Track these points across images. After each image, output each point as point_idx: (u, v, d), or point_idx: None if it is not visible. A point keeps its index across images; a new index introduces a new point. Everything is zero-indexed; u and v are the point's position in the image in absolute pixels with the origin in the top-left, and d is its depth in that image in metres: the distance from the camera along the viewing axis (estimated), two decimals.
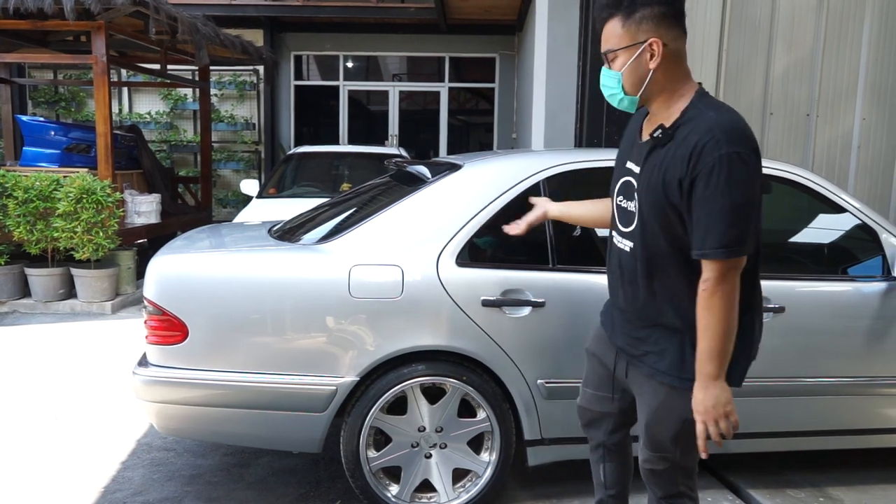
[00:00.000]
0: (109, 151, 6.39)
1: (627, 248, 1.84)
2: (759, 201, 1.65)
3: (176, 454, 3.23)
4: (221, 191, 11.14)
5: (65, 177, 5.98)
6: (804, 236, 3.10)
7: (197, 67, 8.34)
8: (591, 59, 4.81)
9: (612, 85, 1.79)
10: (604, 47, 1.78)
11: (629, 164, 1.86)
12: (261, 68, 10.44)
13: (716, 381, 1.65)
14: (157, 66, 7.97)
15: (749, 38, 5.35)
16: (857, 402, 2.81)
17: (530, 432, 2.60)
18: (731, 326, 1.64)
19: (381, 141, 11.41)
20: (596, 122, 4.80)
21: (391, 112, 11.44)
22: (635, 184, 1.80)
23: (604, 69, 1.81)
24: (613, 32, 1.74)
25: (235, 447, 3.25)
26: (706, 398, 1.65)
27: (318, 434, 2.53)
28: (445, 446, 2.60)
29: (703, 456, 1.72)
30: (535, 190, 2.62)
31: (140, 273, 6.30)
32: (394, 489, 2.60)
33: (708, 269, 1.64)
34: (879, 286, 2.74)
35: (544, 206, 2.28)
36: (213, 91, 10.11)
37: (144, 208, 7.11)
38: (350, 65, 11.52)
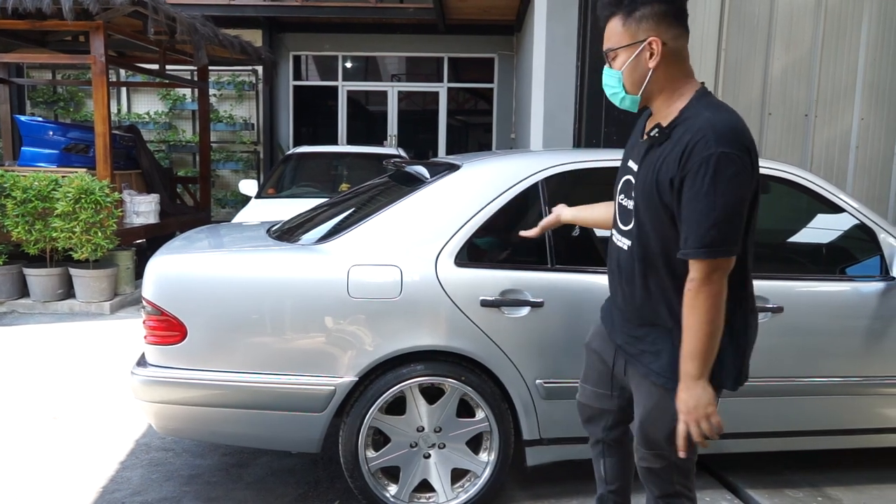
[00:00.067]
0: (108, 151, 6.39)
1: (626, 247, 1.85)
2: (747, 202, 1.63)
3: (174, 454, 3.23)
4: (220, 191, 11.13)
5: (63, 177, 5.98)
6: (802, 236, 3.10)
7: (196, 67, 8.33)
8: (590, 60, 4.81)
9: (614, 84, 1.80)
10: (605, 46, 1.79)
11: (630, 163, 1.87)
12: (259, 68, 10.43)
13: (698, 381, 1.65)
14: (155, 67, 7.97)
15: (747, 38, 5.35)
16: (856, 402, 2.81)
17: (529, 432, 2.60)
18: (716, 328, 1.64)
19: (379, 141, 11.41)
20: (595, 122, 4.80)
21: (390, 112, 11.44)
22: (634, 182, 1.80)
23: (605, 68, 1.82)
24: (614, 31, 1.76)
25: (234, 447, 3.25)
26: (688, 398, 1.65)
27: (316, 434, 2.53)
28: (444, 446, 2.60)
29: (682, 455, 1.72)
30: (533, 190, 2.63)
31: (139, 273, 6.29)
32: (392, 489, 2.60)
33: (693, 269, 1.64)
34: (877, 286, 2.74)
35: (558, 211, 2.32)
36: (211, 91, 10.11)
37: (143, 208, 7.11)
38: (349, 65, 11.52)
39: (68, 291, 6.08)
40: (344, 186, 6.55)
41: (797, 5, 5.38)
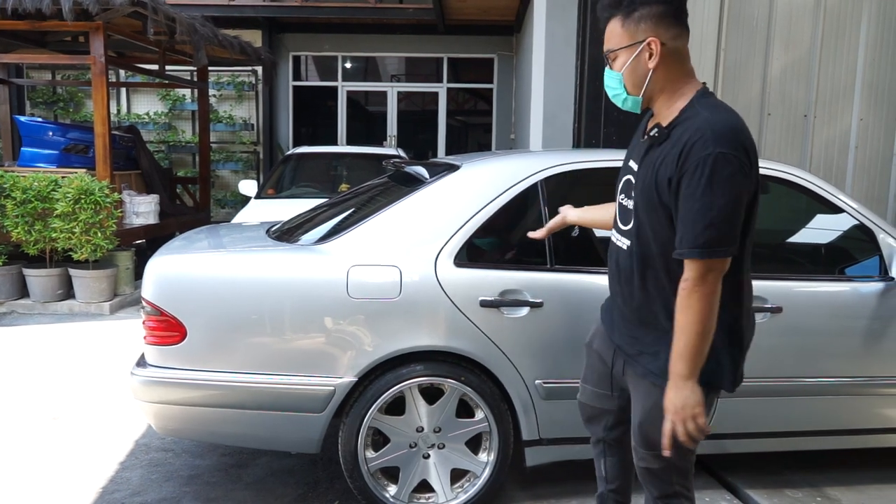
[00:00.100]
0: (108, 152, 6.39)
1: (625, 247, 1.85)
2: (745, 202, 1.63)
3: (174, 455, 3.23)
4: (220, 191, 11.14)
5: (63, 177, 5.98)
6: (802, 236, 3.10)
7: (195, 68, 8.33)
8: (590, 60, 4.81)
9: (615, 85, 1.80)
10: (605, 47, 1.79)
11: (631, 163, 1.87)
12: (259, 69, 10.43)
13: (687, 381, 1.65)
14: (155, 67, 7.97)
15: (747, 39, 5.36)
16: (855, 402, 2.81)
17: (528, 432, 2.60)
18: (708, 328, 1.63)
19: (379, 141, 11.41)
20: (594, 122, 4.80)
21: (389, 113, 11.45)
22: (634, 182, 1.80)
23: (607, 70, 1.82)
24: (614, 32, 1.76)
25: (233, 448, 3.25)
26: (675, 398, 1.66)
27: (316, 434, 2.53)
28: (443, 447, 2.60)
29: (666, 454, 1.73)
30: (533, 190, 2.63)
31: (138, 274, 6.28)
32: (392, 489, 2.60)
33: (687, 269, 1.63)
34: (876, 286, 2.74)
35: (564, 212, 2.33)
36: (211, 92, 10.11)
37: (143, 209, 7.11)
38: (348, 65, 11.52)
39: (68, 292, 6.08)
40: (343, 187, 6.55)
41: (796, 6, 5.38)
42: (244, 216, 5.67)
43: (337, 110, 11.46)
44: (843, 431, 2.84)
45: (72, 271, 5.98)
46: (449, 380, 2.52)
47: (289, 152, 7.57)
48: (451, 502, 2.61)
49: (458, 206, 2.60)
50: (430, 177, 2.74)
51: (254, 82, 11.04)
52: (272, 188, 6.64)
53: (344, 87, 11.44)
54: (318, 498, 2.85)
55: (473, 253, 2.59)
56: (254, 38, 9.61)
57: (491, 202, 2.59)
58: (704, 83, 1.77)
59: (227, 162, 11.09)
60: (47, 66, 10.66)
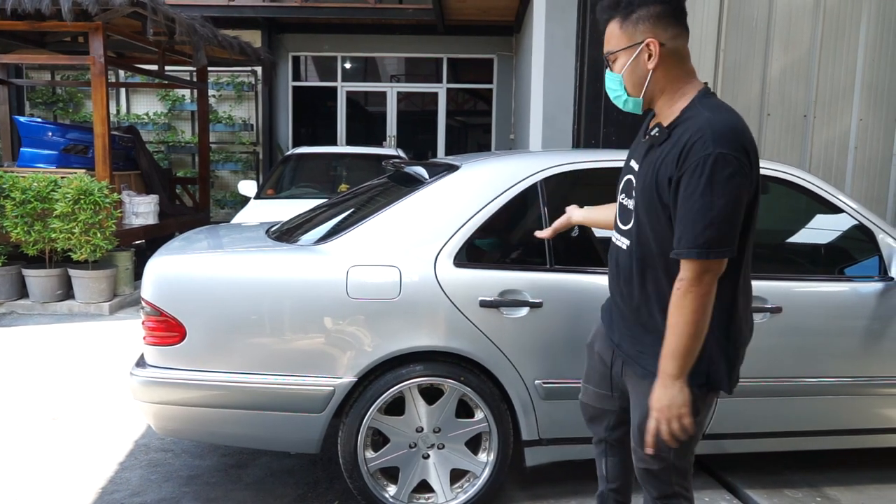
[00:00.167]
0: (107, 152, 6.39)
1: (625, 247, 1.85)
2: (744, 203, 1.62)
3: (174, 455, 3.23)
4: (219, 192, 11.13)
5: (62, 178, 5.98)
6: (801, 237, 3.10)
7: (195, 68, 8.34)
8: (589, 61, 4.82)
9: (616, 87, 1.81)
10: (605, 50, 1.80)
11: (632, 163, 1.87)
12: (259, 69, 10.44)
13: (676, 381, 1.65)
14: (154, 67, 7.97)
15: (746, 39, 5.36)
16: (854, 403, 2.81)
17: (528, 433, 2.60)
18: (700, 329, 1.63)
19: (379, 142, 11.41)
20: (594, 123, 4.81)
21: (389, 113, 11.45)
22: (634, 182, 1.80)
23: (607, 72, 1.82)
24: (613, 34, 1.77)
25: (233, 448, 3.25)
26: (662, 396, 1.66)
27: (315, 435, 2.53)
28: (443, 447, 2.60)
29: (649, 451, 1.73)
30: (532, 191, 2.63)
31: (138, 274, 6.28)
32: (392, 490, 2.60)
33: (684, 269, 1.63)
34: (876, 286, 2.74)
35: (570, 212, 2.33)
36: (211, 92, 10.11)
37: (142, 209, 7.11)
38: (348, 66, 11.52)
39: (67, 292, 6.08)
40: (343, 187, 6.55)
41: (796, 6, 5.39)
42: (244, 216, 5.67)
43: (336, 111, 11.46)
44: (842, 431, 2.84)
45: (71, 272, 5.98)
46: (448, 380, 2.52)
47: (288, 153, 7.57)
48: (450, 502, 2.61)
49: (457, 206, 2.60)
50: (430, 177, 2.74)
51: (253, 83, 11.04)
52: (272, 188, 6.64)
53: (343, 88, 11.44)
54: (318, 498, 2.85)
55: (473, 253, 2.59)
56: (253, 38, 9.61)
57: (490, 202, 2.59)
58: (706, 83, 1.78)
59: (226, 162, 11.09)
60: (47, 66, 10.66)
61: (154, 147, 10.72)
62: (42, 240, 5.79)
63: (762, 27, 5.36)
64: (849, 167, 5.61)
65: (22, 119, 7.55)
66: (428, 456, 2.60)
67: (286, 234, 2.93)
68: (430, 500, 2.63)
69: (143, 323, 2.55)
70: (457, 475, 2.65)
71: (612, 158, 2.71)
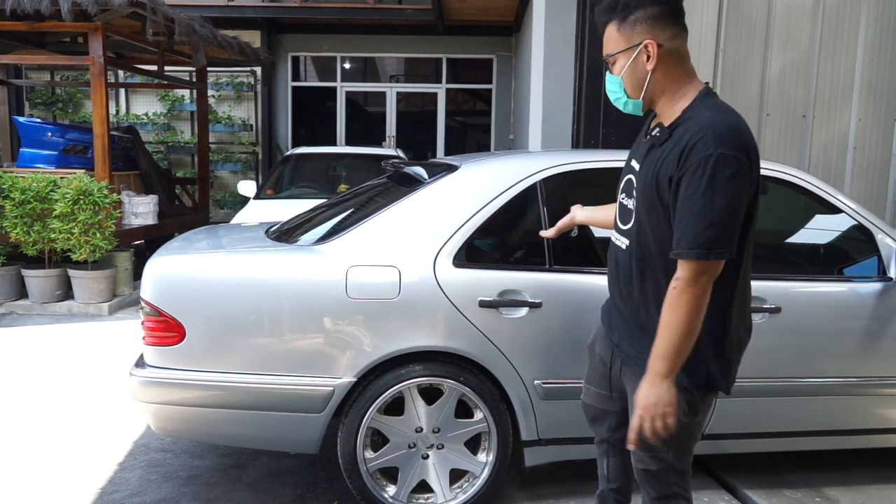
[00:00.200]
0: (106, 152, 6.39)
1: (624, 246, 1.85)
2: (744, 204, 1.62)
3: (173, 455, 3.23)
4: (219, 192, 11.13)
5: (62, 178, 5.98)
6: (800, 237, 3.11)
7: (194, 69, 8.33)
8: (589, 61, 4.82)
9: (615, 89, 1.81)
10: (604, 52, 1.80)
11: (633, 163, 1.87)
12: (258, 69, 10.44)
13: (664, 380, 1.65)
14: (154, 68, 7.97)
15: (745, 39, 5.37)
16: (854, 403, 2.81)
17: (527, 433, 2.60)
18: (693, 330, 1.63)
19: (378, 142, 11.41)
20: (593, 123, 4.81)
21: (388, 113, 11.45)
22: (635, 182, 1.81)
23: (607, 74, 1.82)
24: (611, 37, 1.77)
25: (233, 448, 3.25)
26: (650, 394, 1.66)
27: (315, 435, 2.53)
28: (442, 447, 2.60)
29: (631, 447, 1.72)
30: (532, 191, 2.63)
31: (137, 274, 6.26)
32: (391, 490, 2.60)
33: (681, 269, 1.63)
34: (875, 287, 2.74)
35: (573, 212, 2.33)
36: (210, 92, 10.11)
37: (142, 209, 7.11)
38: (347, 66, 11.52)
39: (67, 292, 6.08)
40: (342, 187, 6.55)
41: (795, 6, 5.39)
42: (243, 217, 5.67)
43: (336, 111, 11.46)
44: (841, 431, 2.84)
45: (71, 272, 5.98)
46: (448, 380, 2.52)
47: (288, 153, 7.57)
48: (449, 502, 2.61)
49: (457, 206, 2.60)
50: (429, 177, 2.74)
51: (253, 83, 11.04)
52: (271, 189, 6.64)
53: (343, 88, 11.44)
54: (317, 498, 2.85)
55: (472, 253, 2.59)
56: (253, 38, 9.61)
57: (490, 202, 2.60)
58: (707, 83, 1.77)
59: (225, 162, 11.09)
60: (46, 66, 10.65)
61: (153, 147, 10.71)
62: (41, 240, 5.79)
63: (761, 27, 5.37)
64: (848, 167, 5.61)
65: (21, 119, 7.55)
66: (427, 456, 2.60)
67: (286, 234, 2.93)
68: (429, 501, 2.63)
69: (142, 323, 2.55)
70: (456, 475, 2.65)
71: (611, 159, 2.71)
